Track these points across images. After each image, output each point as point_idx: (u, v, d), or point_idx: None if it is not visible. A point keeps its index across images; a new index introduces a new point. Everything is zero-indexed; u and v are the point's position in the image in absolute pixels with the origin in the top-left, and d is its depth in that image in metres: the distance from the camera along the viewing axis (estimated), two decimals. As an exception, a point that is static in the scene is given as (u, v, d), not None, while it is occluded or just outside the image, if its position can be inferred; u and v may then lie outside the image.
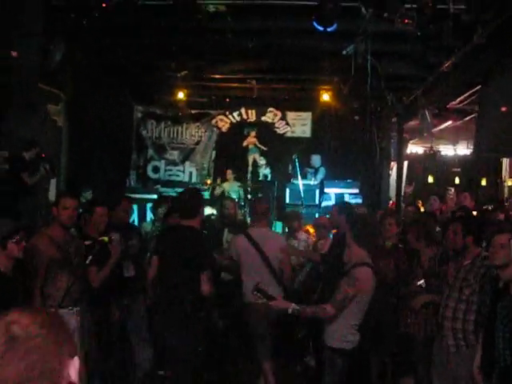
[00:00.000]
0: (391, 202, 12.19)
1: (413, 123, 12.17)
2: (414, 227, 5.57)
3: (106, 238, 4.76)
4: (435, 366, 4.93)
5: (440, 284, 5.06)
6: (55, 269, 4.58)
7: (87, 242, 4.88)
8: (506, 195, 16.21)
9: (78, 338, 4.74)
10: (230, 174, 12.45)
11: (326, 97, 11.94)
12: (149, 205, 10.56)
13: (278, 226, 12.05)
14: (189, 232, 4.92)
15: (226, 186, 12.30)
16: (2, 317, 1.24)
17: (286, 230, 10.93)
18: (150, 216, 10.26)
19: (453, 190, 11.00)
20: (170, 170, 13.82)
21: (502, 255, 3.86)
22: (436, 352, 4.92)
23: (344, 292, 4.24)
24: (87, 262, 4.47)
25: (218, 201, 11.84)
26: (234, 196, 11.53)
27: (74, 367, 1.29)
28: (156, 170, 13.80)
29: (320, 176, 12.31)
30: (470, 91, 9.23)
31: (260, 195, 11.79)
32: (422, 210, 9.92)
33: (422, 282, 5.23)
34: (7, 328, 1.21)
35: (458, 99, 10.16)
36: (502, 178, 16.32)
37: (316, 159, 12.51)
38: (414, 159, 15.52)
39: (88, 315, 4.97)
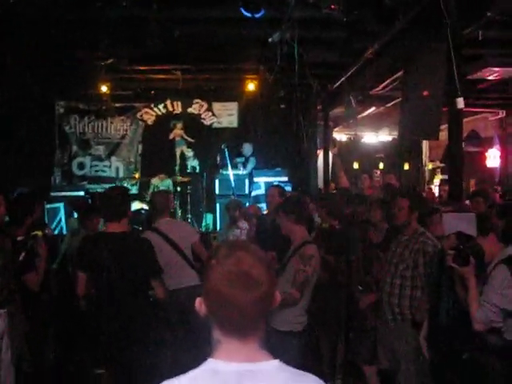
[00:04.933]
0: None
1: (338, 110, 12.39)
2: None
3: (39, 232, 4.55)
4: (378, 341, 5.04)
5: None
6: None
7: (20, 238, 4.64)
8: (427, 178, 16.85)
9: (7, 340, 4.54)
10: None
11: (251, 86, 11.96)
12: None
13: (209, 218, 12.04)
14: (126, 239, 4.35)
15: (155, 181, 12.15)
16: (236, 255, 1.60)
17: (219, 219, 10.98)
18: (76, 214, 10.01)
19: (379, 171, 11.30)
20: (96, 166, 13.46)
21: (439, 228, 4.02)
22: (378, 327, 5.03)
23: (304, 273, 4.25)
24: (20, 258, 4.27)
25: (146, 195, 11.74)
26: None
27: (277, 299, 1.65)
28: (81, 166, 13.39)
29: (250, 165, 12.35)
30: (393, 77, 9.47)
31: (190, 187, 11.70)
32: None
33: None
34: (248, 272, 1.56)
35: (381, 85, 10.41)
36: (422, 162, 16.94)
37: (247, 148, 12.55)
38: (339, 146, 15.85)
39: (20, 316, 4.77)
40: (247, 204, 11.01)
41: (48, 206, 10.72)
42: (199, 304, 1.65)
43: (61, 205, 10.93)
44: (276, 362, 1.62)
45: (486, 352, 3.65)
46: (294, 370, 1.63)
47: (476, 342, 3.67)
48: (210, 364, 1.61)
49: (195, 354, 5.09)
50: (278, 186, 7.35)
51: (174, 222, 5.88)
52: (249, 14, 6.11)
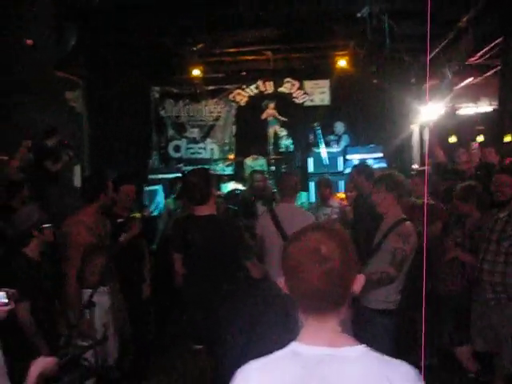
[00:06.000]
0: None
1: (432, 83, 11.97)
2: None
3: (137, 214, 4.73)
4: (473, 322, 4.88)
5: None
6: (91, 254, 4.58)
7: (120, 220, 4.84)
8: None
9: (111, 316, 4.79)
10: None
11: (342, 63, 11.80)
12: (173, 184, 10.59)
13: (303, 196, 12.03)
14: (213, 221, 4.36)
15: (248, 161, 12.25)
16: (307, 234, 1.64)
17: (314, 198, 10.96)
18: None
19: (476, 144, 10.78)
20: (192, 148, 13.83)
21: None
22: (474, 307, 4.86)
23: (401, 250, 4.17)
24: (121, 239, 4.45)
25: (241, 175, 11.90)
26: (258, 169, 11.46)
27: (359, 282, 1.66)
28: (177, 148, 13.81)
29: (343, 143, 12.22)
30: (491, 45, 9.02)
31: (284, 166, 11.74)
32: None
33: None
34: (317, 247, 1.59)
35: (478, 54, 9.94)
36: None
37: (339, 126, 12.42)
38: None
39: (118, 293, 5.00)
40: (342, 182, 10.95)
41: (147, 188, 11.14)
42: (282, 283, 1.69)
43: (159, 187, 11.30)
44: (361, 348, 1.60)
45: None
46: (383, 357, 1.59)
47: None
48: (292, 346, 1.65)
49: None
50: (356, 166, 7.15)
51: (292, 208, 5.43)
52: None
